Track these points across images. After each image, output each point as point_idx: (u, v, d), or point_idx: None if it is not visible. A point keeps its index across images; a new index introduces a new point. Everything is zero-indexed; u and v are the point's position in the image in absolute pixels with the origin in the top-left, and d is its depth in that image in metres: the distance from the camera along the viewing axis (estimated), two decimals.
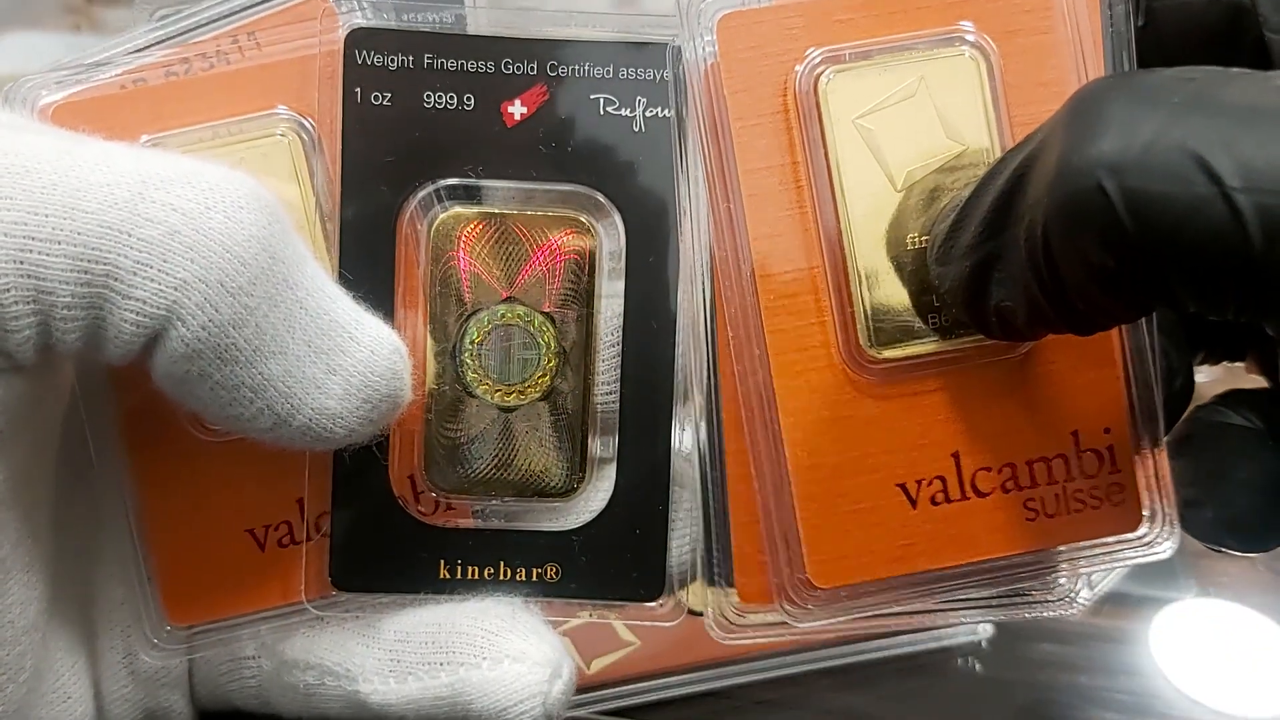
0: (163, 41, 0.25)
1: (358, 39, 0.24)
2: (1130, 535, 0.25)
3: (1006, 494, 0.24)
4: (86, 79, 0.25)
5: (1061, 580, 0.25)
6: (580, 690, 0.36)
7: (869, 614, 0.25)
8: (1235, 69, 0.20)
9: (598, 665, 0.37)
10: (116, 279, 0.20)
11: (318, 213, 0.25)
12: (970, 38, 0.24)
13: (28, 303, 0.19)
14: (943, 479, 0.24)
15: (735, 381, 0.25)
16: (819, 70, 0.24)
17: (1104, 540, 0.25)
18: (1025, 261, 0.21)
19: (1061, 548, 0.25)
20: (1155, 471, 0.25)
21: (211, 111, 0.25)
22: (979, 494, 0.24)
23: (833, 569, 0.24)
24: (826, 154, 0.24)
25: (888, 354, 0.24)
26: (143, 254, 0.19)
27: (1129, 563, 0.25)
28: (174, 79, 0.25)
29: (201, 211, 0.20)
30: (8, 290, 0.19)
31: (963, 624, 0.25)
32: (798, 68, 0.24)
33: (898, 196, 0.24)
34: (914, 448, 0.24)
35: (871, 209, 0.24)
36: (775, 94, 0.24)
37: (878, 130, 0.24)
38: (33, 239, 0.19)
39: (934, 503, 0.24)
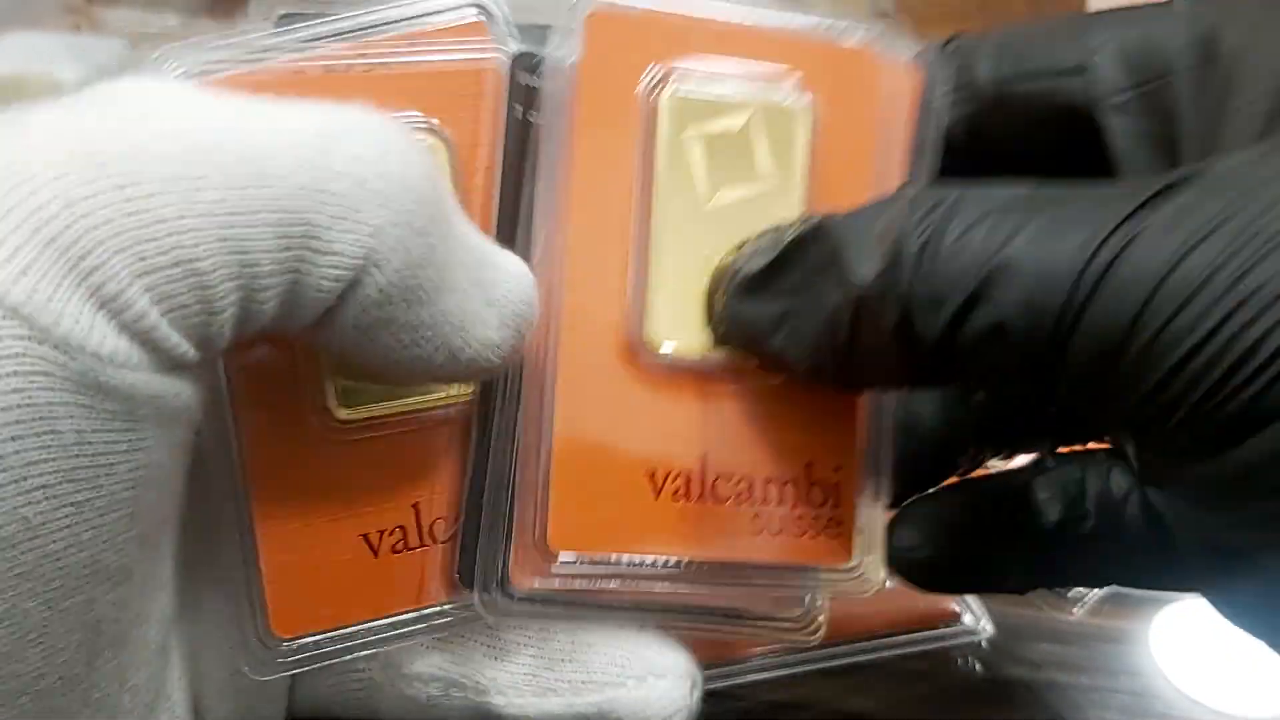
0: (320, 39, 0.25)
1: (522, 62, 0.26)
2: (840, 567, 0.26)
3: (739, 505, 0.26)
4: (245, 63, 0.24)
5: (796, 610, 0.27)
6: None
7: (587, 589, 0.26)
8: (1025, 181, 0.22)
9: None
10: (315, 236, 0.19)
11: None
12: (804, 89, 0.26)
13: (234, 279, 0.19)
14: (688, 477, 0.26)
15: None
16: (665, 85, 0.25)
17: (815, 567, 0.26)
18: (824, 330, 0.22)
19: (777, 563, 0.26)
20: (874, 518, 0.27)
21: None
22: (717, 499, 0.26)
23: (572, 534, 0.25)
24: (654, 160, 0.25)
25: (663, 350, 0.26)
26: (337, 208, 0.19)
27: (837, 592, 0.27)
28: (333, 74, 0.25)
29: (380, 157, 0.20)
30: (217, 270, 0.18)
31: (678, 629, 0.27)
32: (646, 76, 0.25)
33: (705, 215, 0.26)
34: (670, 438, 0.26)
35: (679, 218, 0.26)
36: (624, 97, 0.25)
37: (701, 148, 0.26)
38: (234, 214, 0.18)
39: (675, 496, 0.26)
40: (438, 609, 0.26)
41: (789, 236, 0.23)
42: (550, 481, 0.25)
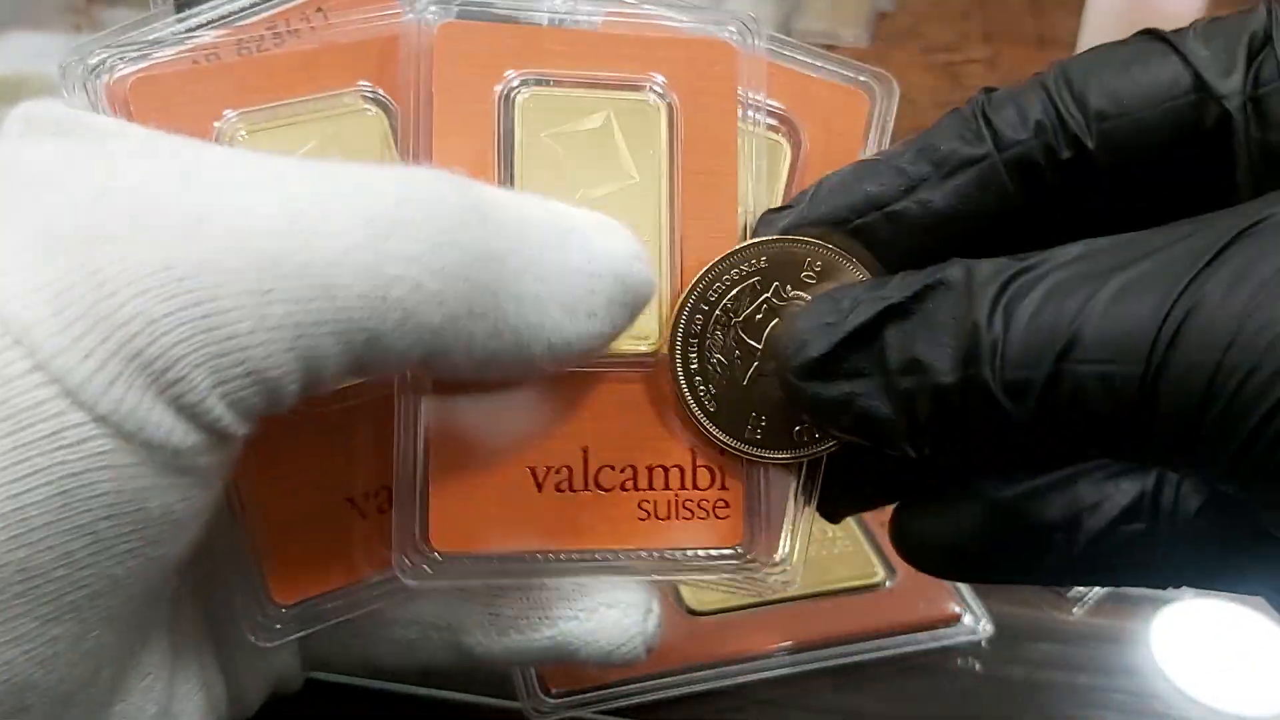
0: (224, 19, 0.26)
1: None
2: (728, 549, 0.27)
3: (625, 492, 0.26)
4: (148, 55, 0.25)
5: None
6: (580, 690, 0.36)
7: (476, 580, 0.27)
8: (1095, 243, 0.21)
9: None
10: (376, 340, 0.21)
11: None
12: (663, 86, 0.26)
13: (300, 380, 0.21)
14: (569, 469, 0.26)
15: None
16: (520, 87, 0.26)
17: (705, 549, 0.27)
18: (900, 417, 0.23)
19: (667, 550, 0.27)
20: (764, 492, 0.27)
21: (295, 87, 0.26)
22: (600, 488, 0.26)
23: (454, 534, 0.26)
24: (514, 161, 0.26)
25: None
26: (397, 314, 0.21)
27: (727, 575, 0.27)
28: (248, 55, 0.25)
29: (433, 250, 0.21)
30: (286, 375, 0.20)
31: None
32: (500, 85, 0.26)
33: None
34: (549, 432, 0.26)
35: None
36: (479, 99, 0.26)
37: (561, 148, 0.26)
38: (301, 325, 0.20)
39: (558, 489, 0.26)
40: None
41: (850, 324, 0.23)
42: (429, 481, 0.25)
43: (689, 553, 0.27)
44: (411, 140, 0.25)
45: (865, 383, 0.23)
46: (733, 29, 0.27)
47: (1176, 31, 0.24)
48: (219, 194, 0.21)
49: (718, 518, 0.27)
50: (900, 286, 0.23)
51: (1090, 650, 0.39)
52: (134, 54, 0.25)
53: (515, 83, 0.26)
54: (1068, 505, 0.25)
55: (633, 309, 0.24)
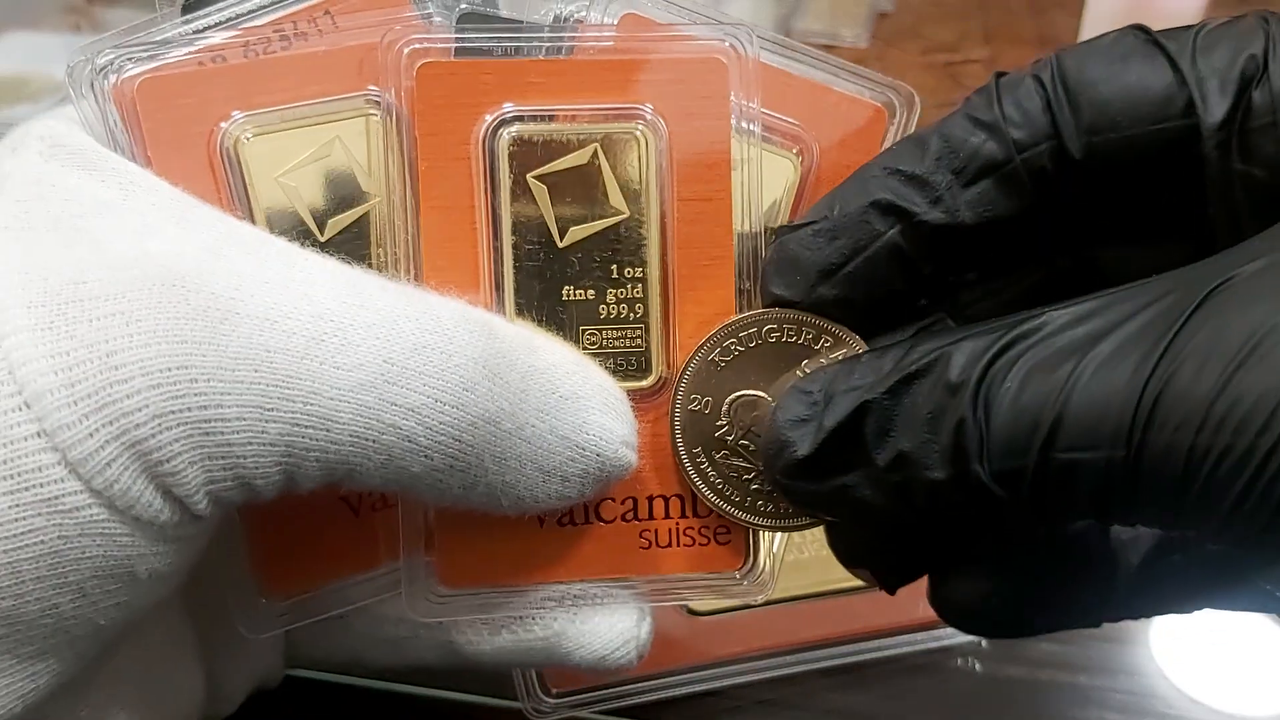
0: (231, 21, 0.26)
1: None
2: (732, 572, 0.27)
3: (626, 523, 0.26)
4: (155, 56, 0.25)
5: None
6: (580, 690, 0.36)
7: (484, 615, 0.27)
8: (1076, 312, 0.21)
9: None
10: (356, 473, 0.22)
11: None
12: (647, 117, 0.26)
13: (277, 489, 0.22)
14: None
15: None
16: (501, 129, 0.26)
17: (707, 574, 0.27)
18: (891, 507, 0.23)
19: (669, 576, 0.27)
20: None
21: (302, 90, 0.26)
22: (601, 520, 0.26)
23: (460, 572, 0.26)
24: (502, 202, 0.26)
25: None
26: (382, 459, 0.22)
27: (728, 597, 0.27)
28: (254, 58, 0.26)
29: (433, 405, 0.22)
30: (270, 483, 0.22)
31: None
32: (480, 127, 0.26)
33: (560, 253, 0.26)
34: None
35: (534, 256, 0.26)
36: (461, 142, 0.25)
37: (547, 187, 0.26)
38: (292, 448, 0.21)
39: (560, 523, 0.26)
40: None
41: (830, 422, 0.23)
42: (434, 522, 0.26)
43: (691, 578, 0.27)
44: (399, 191, 0.25)
45: (855, 475, 0.23)
46: (726, 42, 0.26)
47: (1175, 36, 0.23)
48: (246, 287, 0.21)
49: (719, 543, 0.27)
50: (874, 372, 0.23)
51: (1090, 650, 0.39)
52: (141, 55, 0.25)
53: (495, 124, 0.25)
54: (1103, 543, 0.25)
55: (604, 485, 0.25)
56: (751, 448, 0.26)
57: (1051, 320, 0.21)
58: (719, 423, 0.26)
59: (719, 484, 0.26)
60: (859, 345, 0.25)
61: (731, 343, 0.26)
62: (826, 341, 0.25)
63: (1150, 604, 0.26)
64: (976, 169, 0.24)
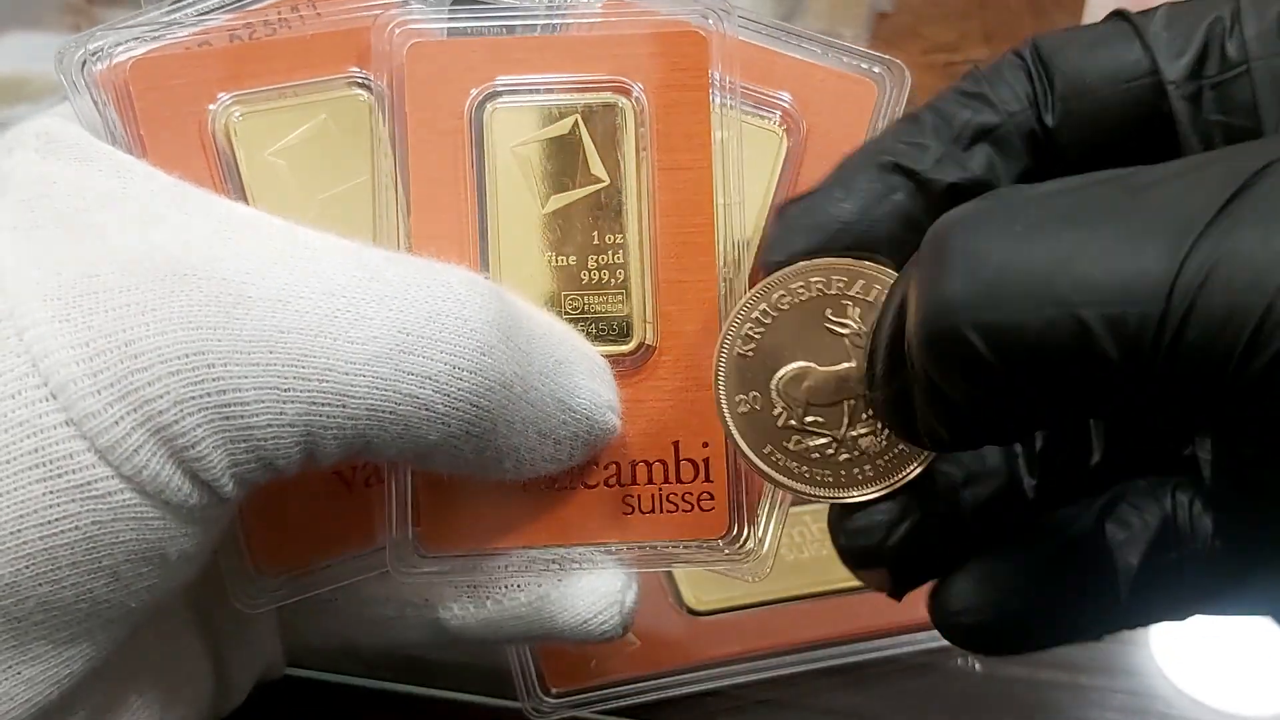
0: (218, 8, 0.27)
1: None
2: (714, 539, 0.27)
3: (609, 488, 0.27)
4: (144, 41, 0.26)
5: None
6: (580, 690, 0.36)
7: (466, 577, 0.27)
8: (1094, 174, 0.19)
9: (597, 664, 0.37)
10: (373, 445, 0.22)
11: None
12: (626, 88, 0.27)
13: (298, 466, 0.22)
14: None
15: None
16: (486, 102, 0.26)
17: (690, 540, 0.27)
18: (926, 401, 0.21)
19: (651, 541, 0.27)
20: (747, 487, 0.27)
21: (289, 71, 0.27)
22: (585, 485, 0.27)
23: (444, 537, 0.26)
24: (488, 171, 0.26)
25: None
26: (399, 429, 0.22)
27: (712, 565, 0.27)
28: (239, 43, 0.26)
29: (450, 373, 0.22)
30: (291, 462, 0.22)
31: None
32: (467, 101, 0.26)
33: (542, 219, 0.27)
34: None
35: (519, 226, 0.27)
36: (449, 116, 0.26)
37: (530, 157, 0.27)
38: (311, 426, 0.22)
39: (543, 489, 0.27)
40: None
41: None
42: (419, 489, 0.26)
43: (673, 544, 0.27)
44: (392, 165, 0.26)
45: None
46: (708, 19, 0.27)
47: (1145, 12, 0.24)
48: (256, 270, 0.22)
49: (702, 510, 0.27)
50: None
51: (1090, 650, 0.39)
52: (130, 40, 0.26)
53: (481, 98, 0.26)
54: (1101, 548, 0.24)
55: (590, 449, 0.26)
56: (822, 420, 0.25)
57: (1056, 188, 0.20)
58: (775, 411, 0.25)
59: (806, 472, 0.25)
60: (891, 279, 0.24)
61: (749, 328, 0.25)
62: (860, 284, 0.24)
63: (1149, 609, 0.25)
64: (971, 134, 0.24)
